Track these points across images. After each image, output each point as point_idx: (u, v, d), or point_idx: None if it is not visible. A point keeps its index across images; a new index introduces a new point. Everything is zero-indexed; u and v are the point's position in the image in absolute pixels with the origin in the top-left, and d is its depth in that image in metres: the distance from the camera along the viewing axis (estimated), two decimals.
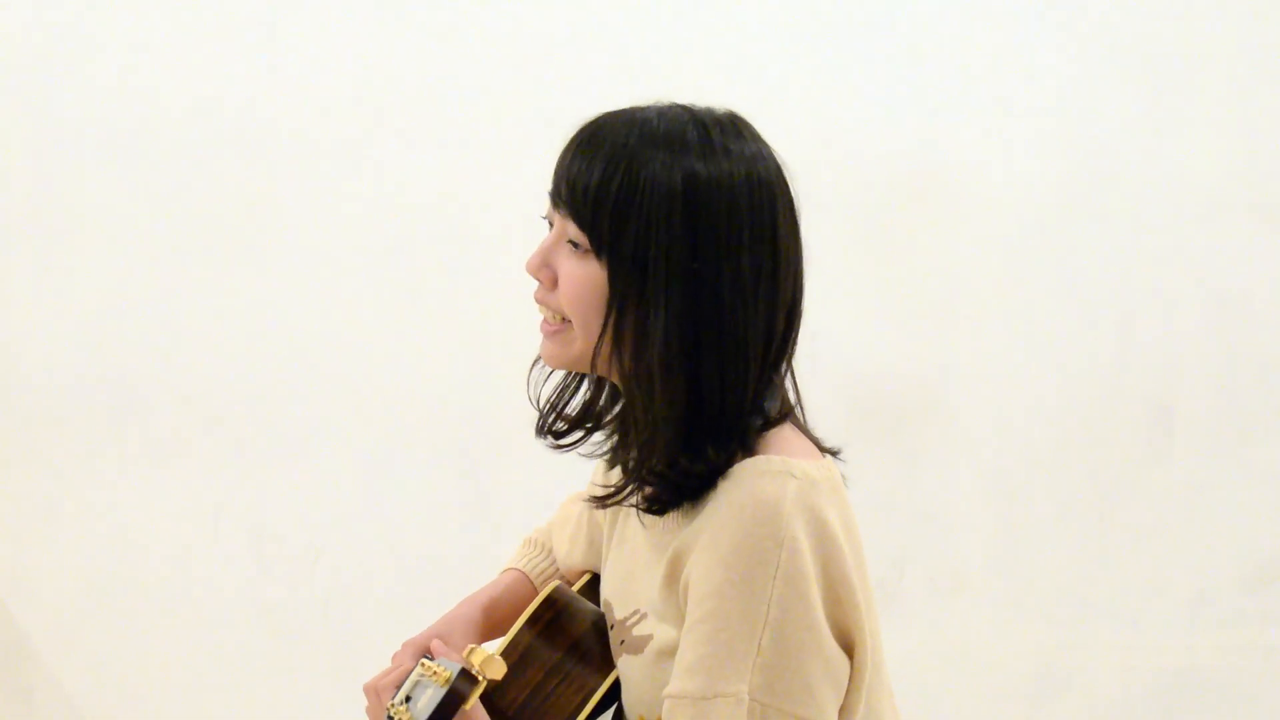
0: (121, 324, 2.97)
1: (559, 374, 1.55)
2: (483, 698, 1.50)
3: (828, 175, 3.05)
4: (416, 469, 3.04)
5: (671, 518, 1.45)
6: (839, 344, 3.06)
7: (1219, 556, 3.20)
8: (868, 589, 1.43)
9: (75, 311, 2.96)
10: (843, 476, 1.45)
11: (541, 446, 1.57)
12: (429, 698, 1.45)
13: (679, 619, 1.42)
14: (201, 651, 3.03)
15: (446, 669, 1.45)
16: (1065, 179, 3.12)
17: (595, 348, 1.42)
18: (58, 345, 2.97)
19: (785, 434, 1.44)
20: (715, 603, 1.36)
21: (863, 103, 3.07)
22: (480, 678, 1.45)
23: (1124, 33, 3.12)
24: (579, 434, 1.54)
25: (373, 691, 1.54)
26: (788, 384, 1.49)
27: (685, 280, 1.38)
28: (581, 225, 1.41)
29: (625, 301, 1.39)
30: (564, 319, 1.45)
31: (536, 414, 1.56)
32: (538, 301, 1.48)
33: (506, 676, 1.52)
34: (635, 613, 1.51)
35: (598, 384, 1.54)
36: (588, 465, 1.63)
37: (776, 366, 1.45)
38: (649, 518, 1.48)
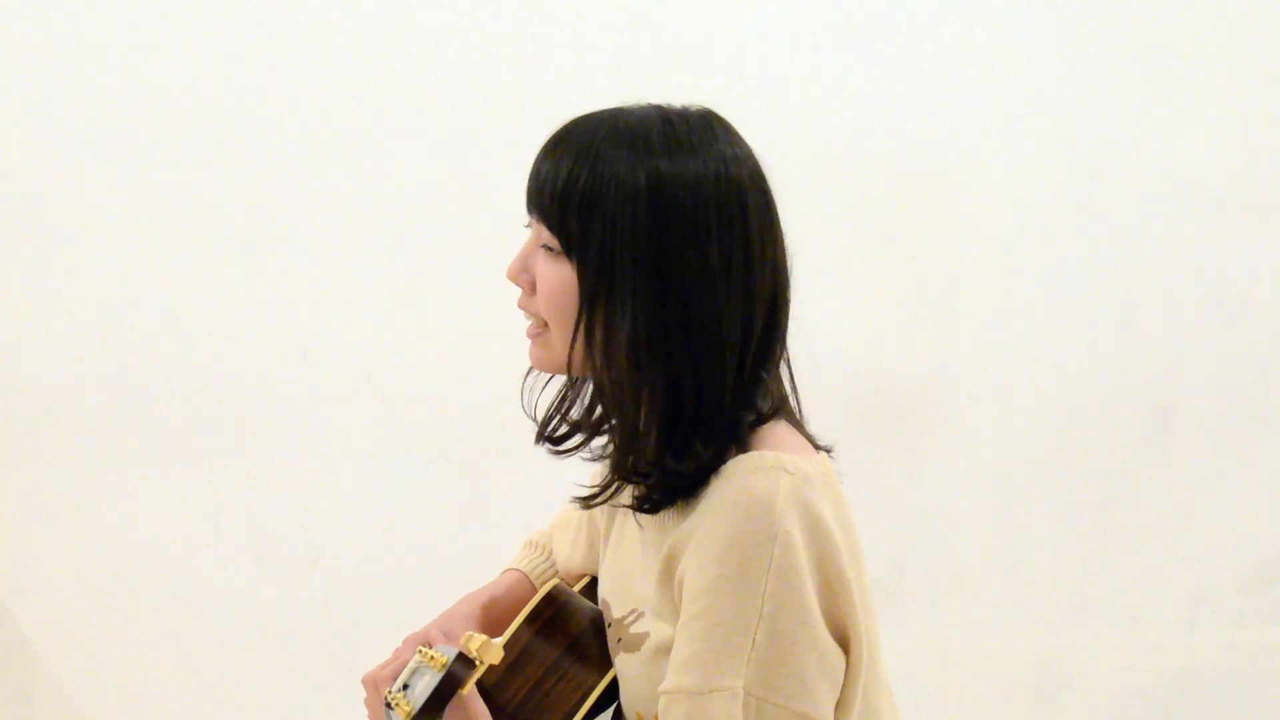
0: (121, 324, 2.97)
1: (556, 383, 1.56)
2: (483, 695, 1.50)
3: (828, 175, 3.06)
4: (416, 469, 3.04)
5: (666, 515, 1.46)
6: (839, 344, 3.06)
7: (1219, 556, 3.20)
8: (864, 584, 1.43)
9: (75, 311, 2.96)
10: (838, 473, 1.45)
11: (542, 449, 1.58)
12: (426, 683, 1.44)
13: (675, 616, 1.42)
14: (201, 651, 3.03)
15: (443, 654, 1.45)
16: (1065, 179, 3.13)
17: (569, 349, 1.43)
18: (58, 345, 2.97)
19: (779, 430, 1.44)
20: (709, 598, 1.37)
21: (863, 103, 3.07)
22: (478, 662, 1.45)
23: (1124, 33, 3.12)
24: (577, 440, 1.55)
25: (371, 683, 1.55)
26: (785, 382, 1.49)
27: (651, 275, 1.39)
28: (551, 227, 1.42)
29: (594, 300, 1.41)
30: (545, 323, 1.47)
31: (533, 421, 1.57)
32: (519, 307, 1.50)
33: (505, 674, 1.53)
34: (632, 611, 1.51)
35: (595, 388, 1.55)
36: (588, 466, 1.63)
37: (763, 363, 1.45)
38: (645, 516, 1.48)
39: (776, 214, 1.47)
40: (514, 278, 1.48)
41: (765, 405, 1.45)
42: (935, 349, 3.13)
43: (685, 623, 1.39)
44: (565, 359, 1.45)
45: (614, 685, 1.54)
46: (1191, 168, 3.14)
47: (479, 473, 3.04)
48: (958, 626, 3.17)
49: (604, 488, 1.49)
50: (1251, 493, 3.19)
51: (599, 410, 1.55)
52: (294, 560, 3.04)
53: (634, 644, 1.50)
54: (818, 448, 1.48)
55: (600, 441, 1.56)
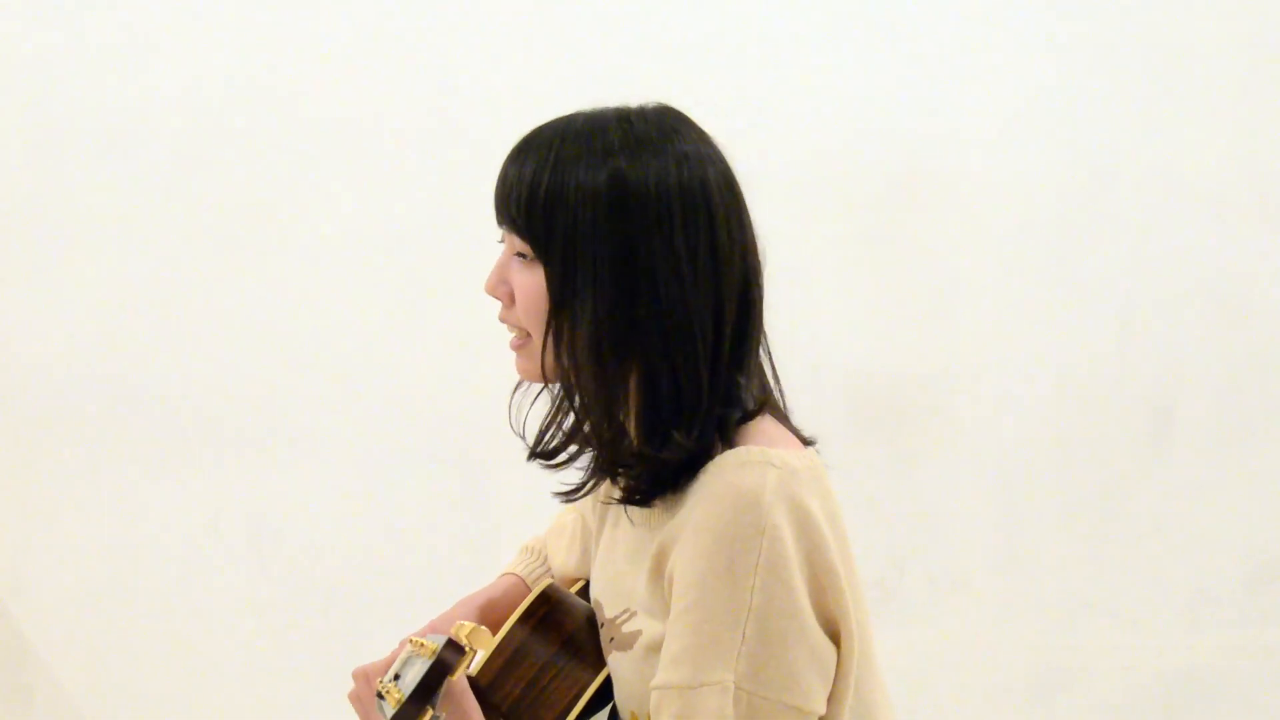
0: (121, 324, 2.97)
1: (544, 401, 1.56)
2: (477, 693, 1.50)
3: (828, 175, 3.06)
4: (416, 469, 3.04)
5: (656, 513, 1.46)
6: (839, 344, 3.06)
7: (1219, 556, 3.20)
8: (854, 577, 1.43)
9: (75, 311, 2.97)
10: (825, 466, 1.45)
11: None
12: (416, 670, 1.44)
13: (666, 613, 1.42)
14: (201, 651, 3.03)
15: (434, 642, 1.45)
16: (1065, 179, 3.13)
17: (542, 352, 1.44)
18: (58, 345, 2.97)
19: (764, 425, 1.45)
20: (699, 593, 1.37)
21: (863, 103, 3.08)
22: (468, 649, 1.44)
23: (1124, 33, 3.12)
24: (570, 452, 1.55)
25: (362, 675, 1.54)
26: (768, 377, 1.50)
27: (616, 268, 1.40)
28: (519, 233, 1.44)
29: (562, 298, 1.42)
30: (528, 334, 1.47)
31: (520, 438, 1.57)
32: (501, 320, 1.51)
33: (500, 672, 1.52)
34: (624, 611, 1.51)
35: (565, 391, 1.54)
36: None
37: (739, 356, 1.45)
38: (636, 514, 1.49)
39: (744, 205, 1.47)
40: (492, 291, 1.50)
41: (749, 400, 1.45)
42: (935, 349, 3.13)
43: (675, 618, 1.39)
44: (546, 364, 1.45)
45: (609, 684, 1.55)
46: (1192, 168, 3.14)
47: (479, 473, 3.04)
48: (958, 626, 3.17)
49: (584, 482, 1.50)
50: (1251, 493, 3.19)
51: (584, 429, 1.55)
52: (294, 560, 3.05)
53: (626, 642, 1.50)
54: (804, 441, 1.48)
55: (584, 469, 1.55)
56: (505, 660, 1.54)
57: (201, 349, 2.99)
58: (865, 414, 3.11)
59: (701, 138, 1.47)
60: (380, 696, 1.46)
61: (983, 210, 3.11)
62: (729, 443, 1.42)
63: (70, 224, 2.95)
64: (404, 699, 1.42)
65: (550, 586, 1.61)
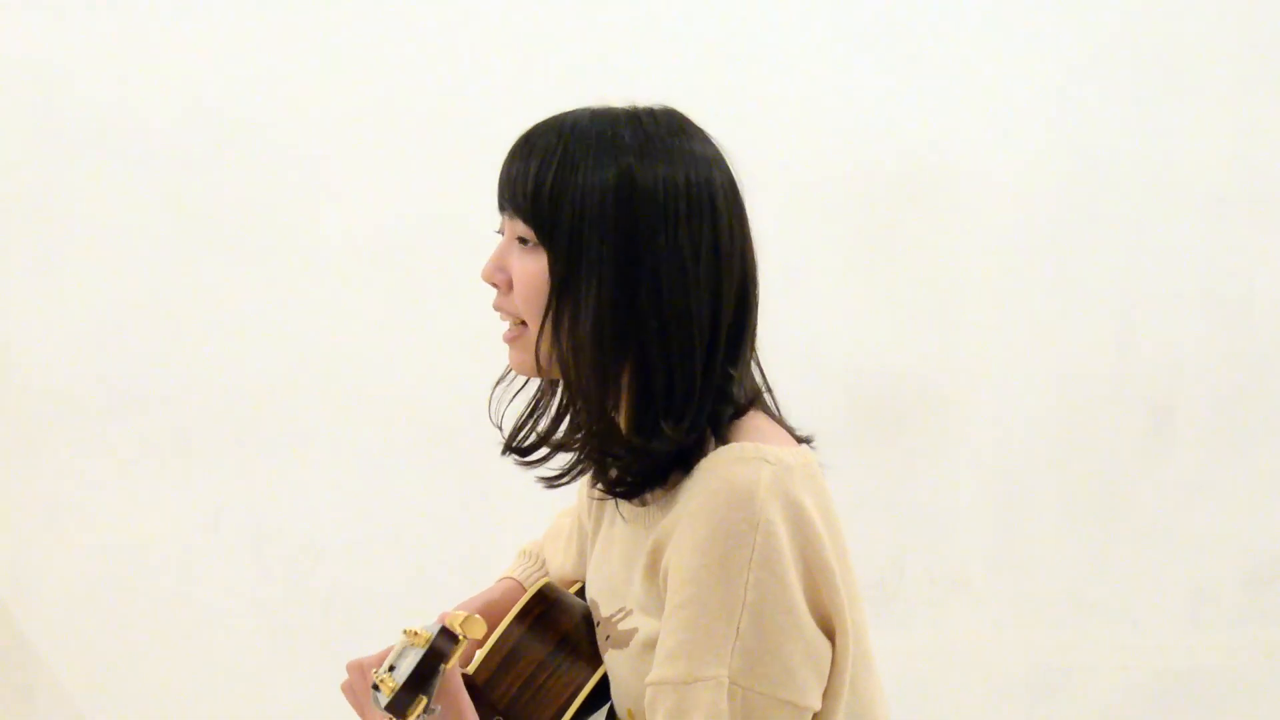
0: (121, 324, 2.98)
1: (524, 395, 1.57)
2: (473, 692, 1.50)
3: (828, 175, 3.06)
4: (416, 469, 3.04)
5: (650, 511, 1.46)
6: (840, 344, 3.06)
7: (1219, 556, 3.20)
8: (849, 574, 1.43)
9: (75, 313, 2.97)
10: (820, 463, 1.45)
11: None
12: (410, 659, 1.45)
13: (661, 610, 1.42)
14: (201, 651, 3.04)
15: (427, 631, 1.45)
16: (1065, 178, 3.13)
17: (538, 339, 1.44)
18: (58, 346, 2.97)
19: (757, 422, 1.45)
20: (693, 589, 1.37)
21: (863, 103, 3.08)
22: (461, 637, 1.45)
23: (1124, 33, 3.12)
24: (544, 452, 1.55)
25: (356, 667, 1.55)
26: (756, 374, 1.50)
27: (620, 258, 1.40)
28: (524, 217, 1.44)
29: (564, 285, 1.42)
30: (522, 323, 1.47)
31: (498, 429, 1.58)
32: (495, 309, 1.50)
33: (497, 671, 1.53)
34: (620, 609, 1.51)
35: (563, 376, 1.54)
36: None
37: (733, 356, 1.46)
38: (630, 511, 1.49)
39: (744, 211, 1.48)
40: (489, 277, 1.50)
41: (741, 397, 1.45)
42: (936, 349, 3.13)
43: (669, 614, 1.39)
44: (541, 354, 1.45)
45: (606, 682, 1.55)
46: (1192, 168, 3.14)
47: (479, 473, 3.03)
48: (958, 626, 3.17)
49: (569, 468, 1.51)
50: (1251, 493, 3.19)
51: (565, 425, 1.55)
52: (294, 560, 3.05)
53: (623, 640, 1.50)
54: (798, 439, 1.48)
55: (568, 458, 1.55)
56: (502, 658, 1.54)
57: (202, 349, 3.00)
58: (865, 414, 3.11)
59: (706, 140, 1.48)
60: (375, 688, 1.46)
61: (983, 210, 3.12)
62: (721, 438, 1.43)
63: (71, 224, 2.96)
64: (398, 687, 1.43)
65: (547, 585, 1.61)
